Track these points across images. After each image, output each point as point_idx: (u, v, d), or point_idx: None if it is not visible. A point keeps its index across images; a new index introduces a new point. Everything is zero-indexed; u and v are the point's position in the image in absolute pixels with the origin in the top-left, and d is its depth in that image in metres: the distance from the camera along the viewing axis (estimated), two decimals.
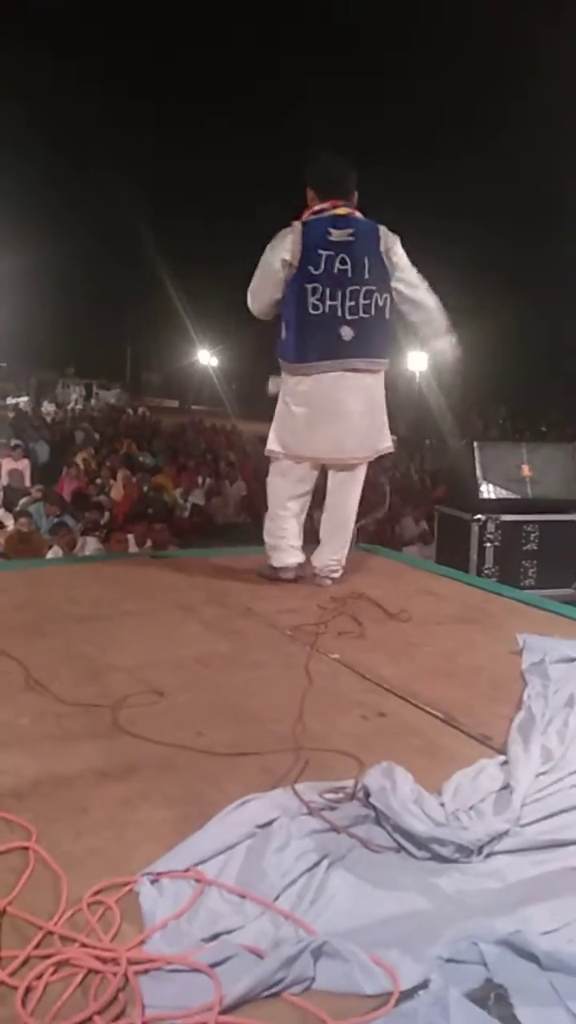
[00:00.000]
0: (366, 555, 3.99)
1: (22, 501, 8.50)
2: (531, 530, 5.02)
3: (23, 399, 28.13)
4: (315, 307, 3.15)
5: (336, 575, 3.35)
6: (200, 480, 11.26)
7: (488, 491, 5.05)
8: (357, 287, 3.13)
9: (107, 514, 8.30)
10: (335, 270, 3.12)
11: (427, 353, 3.45)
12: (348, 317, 3.14)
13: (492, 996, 1.06)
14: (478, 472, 5.05)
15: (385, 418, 3.37)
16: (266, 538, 3.39)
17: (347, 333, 3.15)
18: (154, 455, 14.09)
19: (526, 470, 5.15)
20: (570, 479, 5.29)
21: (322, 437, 3.26)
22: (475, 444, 5.23)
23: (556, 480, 5.24)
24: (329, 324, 3.15)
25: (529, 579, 4.98)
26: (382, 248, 3.13)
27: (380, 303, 3.16)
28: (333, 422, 3.23)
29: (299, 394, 3.26)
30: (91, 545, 6.81)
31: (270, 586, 3.30)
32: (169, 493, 10.03)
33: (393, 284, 3.20)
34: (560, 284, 22.80)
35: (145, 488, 10.03)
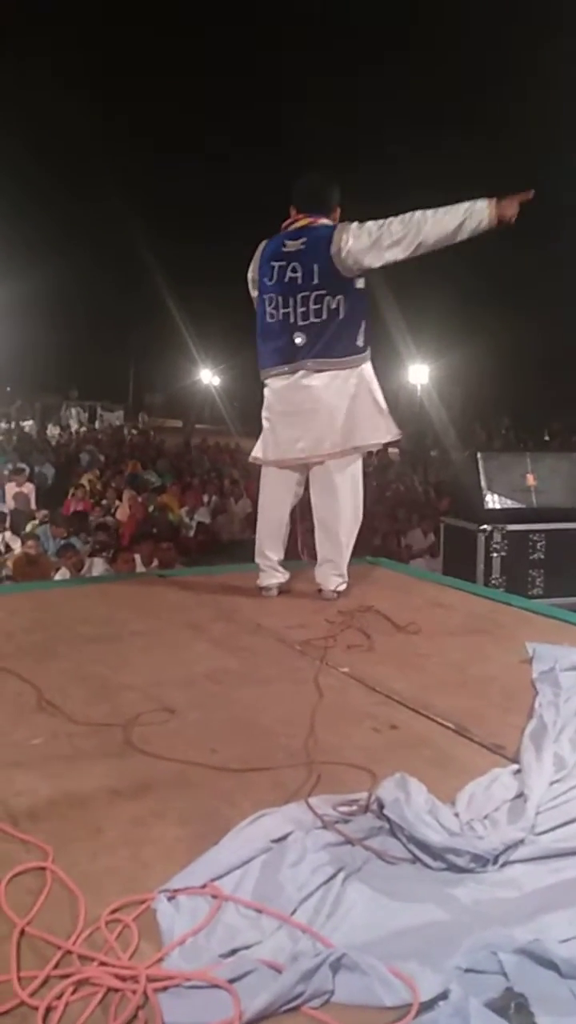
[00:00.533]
0: (373, 568, 4.00)
1: (30, 524, 8.53)
2: (537, 539, 5.03)
3: (28, 423, 28.28)
4: (271, 316, 3.29)
5: (339, 589, 3.33)
6: (205, 499, 11.28)
7: (493, 501, 5.06)
8: (307, 293, 3.20)
9: (112, 534, 8.32)
10: (286, 279, 3.24)
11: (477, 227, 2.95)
12: (300, 323, 3.23)
13: (512, 1005, 1.06)
14: (483, 483, 5.07)
15: (369, 411, 3.31)
16: None
17: (299, 338, 3.24)
18: (159, 475, 14.14)
19: (531, 479, 5.17)
20: (575, 487, 5.30)
21: (286, 439, 3.35)
22: (479, 455, 5.26)
23: (561, 489, 5.26)
24: (282, 331, 3.27)
25: (537, 588, 4.99)
26: (332, 251, 3.14)
27: (332, 306, 3.19)
28: (292, 423, 3.32)
29: (266, 401, 3.40)
30: (98, 566, 6.82)
31: (278, 602, 3.31)
32: (174, 512, 10.05)
33: (367, 266, 3.13)
34: (559, 294, 22.89)
35: (150, 508, 10.06)
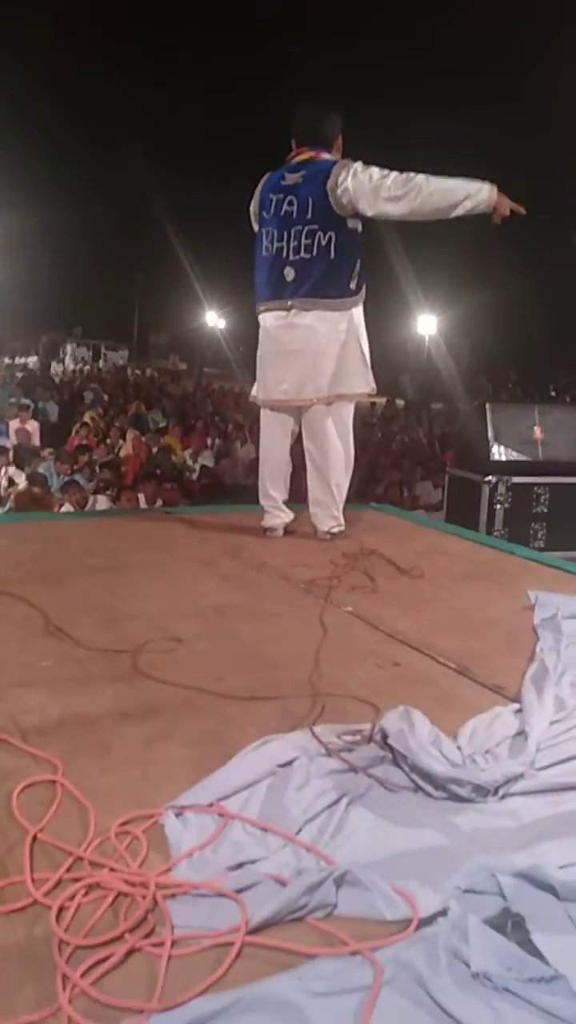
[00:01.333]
0: (376, 514, 4.02)
1: (34, 464, 8.50)
2: (541, 492, 5.02)
3: (32, 359, 27.99)
4: (267, 249, 3.27)
5: (335, 531, 3.34)
6: (209, 442, 11.25)
7: (499, 453, 5.04)
8: (300, 227, 3.16)
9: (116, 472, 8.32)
10: (282, 212, 3.21)
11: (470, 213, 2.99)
12: (291, 257, 3.20)
13: (509, 923, 1.09)
14: (490, 434, 5.04)
15: (355, 360, 3.26)
16: None
17: (289, 273, 3.21)
18: (163, 416, 14.06)
19: (538, 432, 5.14)
20: None
21: (272, 379, 3.34)
22: (487, 406, 5.21)
23: (567, 443, 5.23)
24: (274, 265, 3.24)
25: (539, 541, 4.99)
26: (329, 185, 3.09)
27: (323, 241, 3.13)
28: (278, 364, 3.30)
29: (260, 336, 3.37)
30: (102, 504, 6.84)
31: (283, 542, 3.33)
32: (177, 454, 10.02)
33: (360, 210, 3.07)
34: (566, 250, 22.51)
35: (154, 449, 10.03)
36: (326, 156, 3.21)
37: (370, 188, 3.03)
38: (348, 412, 3.36)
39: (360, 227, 3.18)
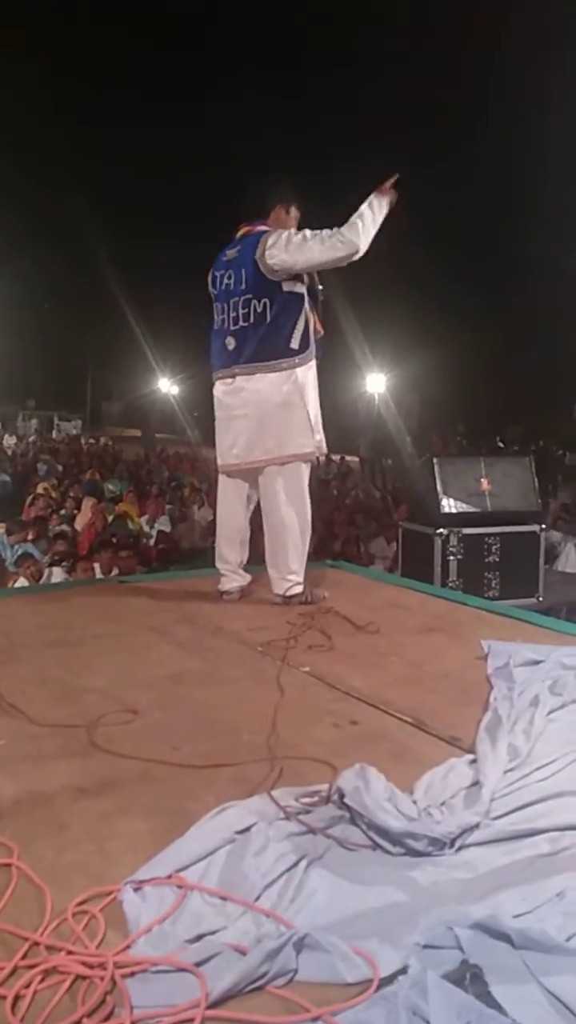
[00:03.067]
0: (333, 571, 4.06)
1: None
2: (492, 542, 5.14)
3: None
4: (216, 322, 3.44)
5: (289, 593, 3.31)
6: (165, 507, 11.25)
7: (449, 505, 5.16)
8: (237, 298, 3.32)
9: (71, 543, 8.25)
10: (223, 286, 3.38)
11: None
12: (231, 328, 3.35)
13: (468, 976, 1.10)
14: (439, 487, 5.16)
15: (300, 420, 3.30)
16: None
17: (231, 343, 3.36)
18: (118, 483, 14.06)
19: (485, 484, 5.28)
20: (528, 491, 5.44)
21: (224, 444, 3.45)
22: (435, 460, 5.35)
23: (515, 492, 5.38)
24: (219, 336, 3.41)
25: (493, 590, 5.09)
26: (256, 254, 3.24)
27: (259, 309, 3.27)
28: (228, 429, 3.42)
29: (215, 404, 3.50)
30: (57, 576, 6.76)
31: (240, 605, 3.34)
32: (134, 521, 10.00)
33: (290, 265, 3.19)
34: (508, 313, 23.55)
35: (110, 517, 9.99)
36: (261, 228, 3.35)
37: (297, 241, 3.18)
38: (299, 473, 3.37)
39: (301, 288, 3.28)
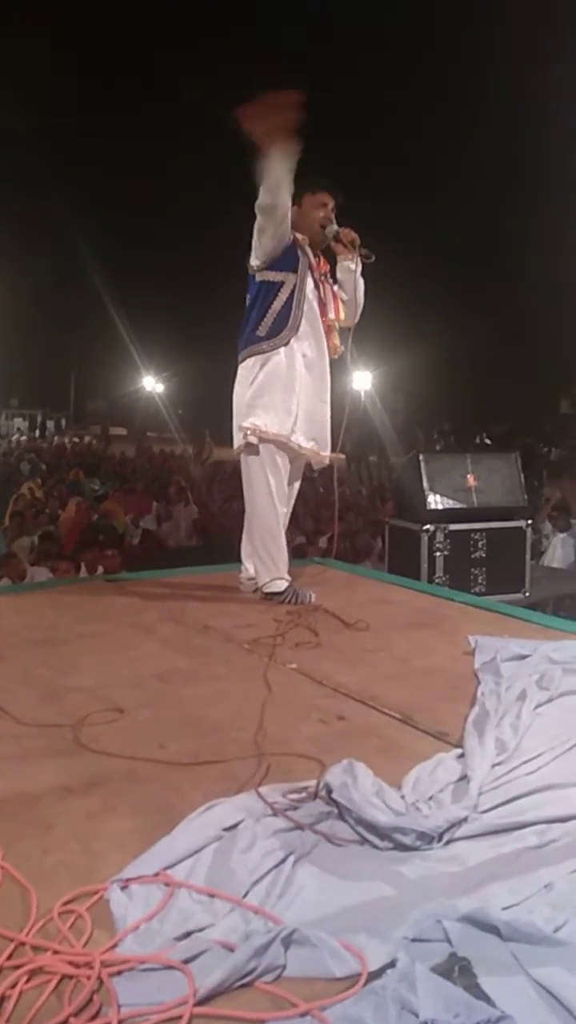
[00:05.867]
0: (321, 568, 4.06)
1: None
2: (479, 538, 5.15)
3: None
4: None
5: (267, 590, 3.29)
6: (150, 506, 11.21)
7: (435, 502, 5.16)
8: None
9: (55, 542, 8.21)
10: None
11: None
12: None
13: (456, 968, 1.10)
14: (425, 484, 5.16)
15: (241, 409, 3.31)
16: None
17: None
18: (102, 482, 14.00)
19: (471, 480, 5.29)
20: (514, 487, 5.45)
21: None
22: (421, 456, 5.35)
23: (500, 488, 5.39)
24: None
25: (479, 586, 5.10)
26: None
27: (246, 300, 3.36)
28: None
29: None
30: (41, 576, 6.72)
31: (227, 602, 3.33)
32: (119, 519, 9.95)
33: (254, 245, 3.25)
34: (493, 311, 23.68)
35: (95, 516, 9.94)
36: None
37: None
38: (247, 464, 3.33)
39: (267, 276, 3.27)
